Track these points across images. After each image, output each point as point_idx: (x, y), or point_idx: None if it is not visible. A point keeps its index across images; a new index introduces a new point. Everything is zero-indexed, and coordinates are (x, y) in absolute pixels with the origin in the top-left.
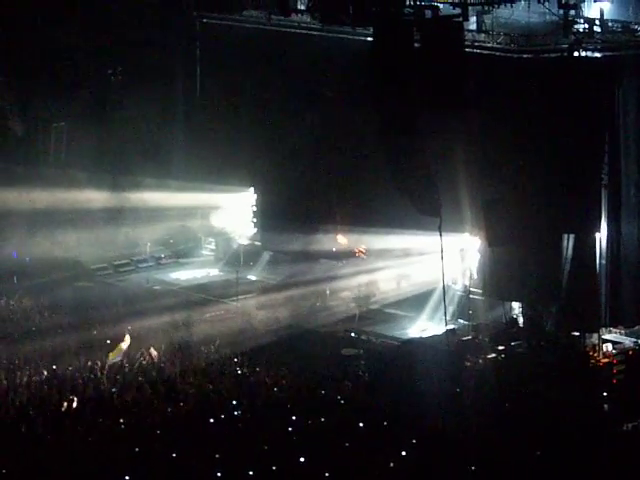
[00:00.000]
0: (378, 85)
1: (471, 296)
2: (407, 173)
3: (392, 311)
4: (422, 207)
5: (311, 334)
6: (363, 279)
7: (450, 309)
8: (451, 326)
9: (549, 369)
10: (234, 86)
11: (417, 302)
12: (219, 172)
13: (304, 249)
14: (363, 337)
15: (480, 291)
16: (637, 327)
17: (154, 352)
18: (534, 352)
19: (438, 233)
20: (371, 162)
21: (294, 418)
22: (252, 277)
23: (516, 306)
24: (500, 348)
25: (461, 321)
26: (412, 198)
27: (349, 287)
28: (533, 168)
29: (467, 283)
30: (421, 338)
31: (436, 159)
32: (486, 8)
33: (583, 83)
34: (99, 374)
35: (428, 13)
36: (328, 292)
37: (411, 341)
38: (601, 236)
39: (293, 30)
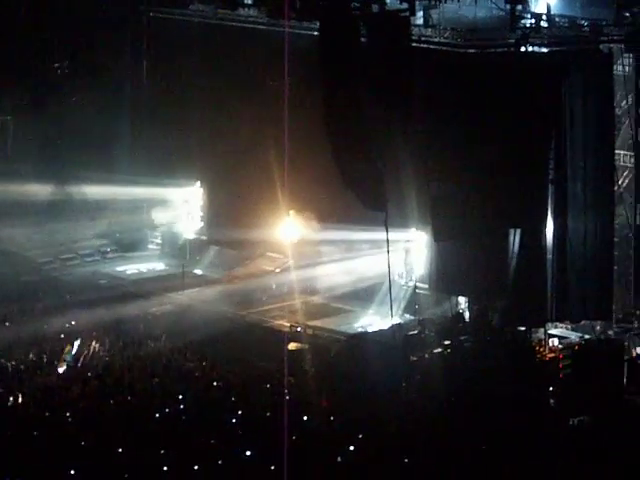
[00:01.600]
0: (325, 79)
1: (418, 291)
2: (353, 168)
3: (338, 305)
4: (368, 201)
5: (256, 328)
6: (309, 272)
7: (396, 304)
8: (397, 321)
9: (495, 364)
10: (181, 80)
11: (364, 296)
12: (166, 166)
13: (250, 243)
14: (309, 332)
15: (426, 286)
16: (583, 322)
17: (99, 346)
18: (480, 347)
19: (384, 228)
20: (319, 156)
21: (239, 412)
22: (198, 271)
23: (462, 301)
24: (446, 343)
25: (407, 316)
26: (358, 192)
27: (295, 281)
28: (480, 163)
29: (414, 278)
30: (367, 333)
31: (382, 154)
32: (433, 3)
33: (530, 78)
34: (45, 368)
35: (375, 7)
36: (274, 286)
37: (357, 336)
38: (548, 231)
39: (240, 24)
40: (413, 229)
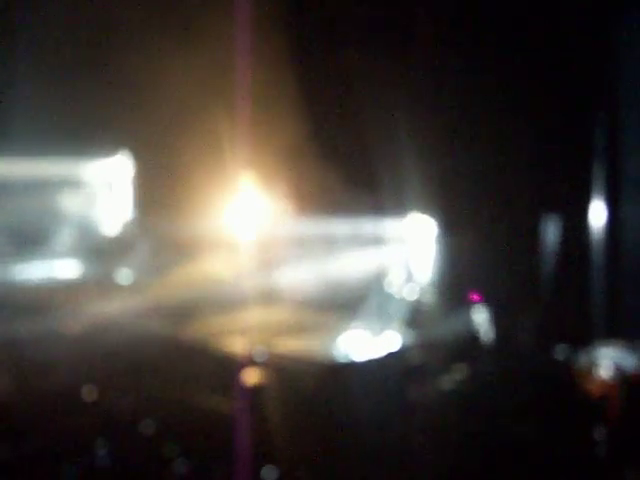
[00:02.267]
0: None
1: (420, 301)
2: (331, 132)
3: (314, 320)
4: (351, 178)
5: (201, 353)
6: (274, 276)
7: (392, 318)
8: (393, 342)
9: (525, 399)
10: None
11: (348, 308)
12: (74, 132)
13: (195, 237)
14: (272, 356)
15: (432, 294)
16: None
17: None
18: (505, 377)
19: (374, 215)
20: (286, 118)
21: (177, 470)
22: (124, 275)
23: (479, 315)
24: (457, 371)
25: (407, 335)
26: (338, 166)
27: (255, 287)
28: (504, 127)
29: (414, 283)
30: (351, 358)
31: (370, 114)
32: None
33: (571, 14)
34: None
35: None
36: (227, 295)
37: (337, 362)
38: (595, 220)
39: None
40: (413, 217)
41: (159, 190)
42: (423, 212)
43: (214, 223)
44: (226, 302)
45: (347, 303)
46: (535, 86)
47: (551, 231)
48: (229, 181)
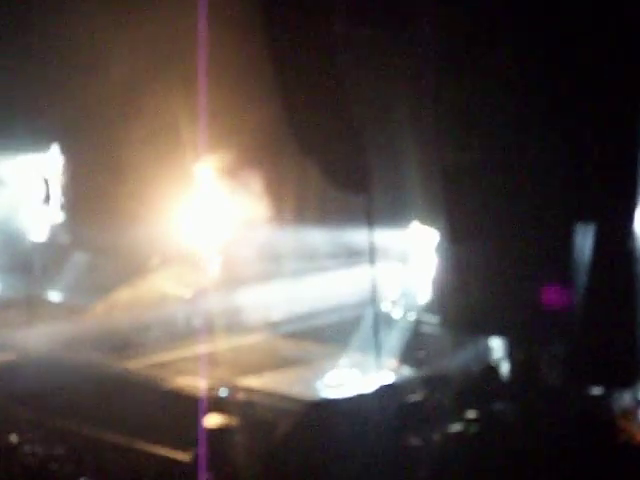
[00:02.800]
0: None
1: (422, 328)
2: (317, 128)
3: (291, 352)
4: (340, 180)
5: (151, 391)
6: (243, 297)
7: (387, 349)
8: (389, 378)
9: (552, 448)
10: None
11: (333, 337)
12: None
13: (143, 248)
14: (241, 396)
15: (436, 319)
16: None
17: None
18: (527, 421)
19: (366, 223)
20: (260, 108)
21: None
22: (54, 295)
23: (496, 345)
24: (470, 415)
25: (405, 369)
26: (324, 166)
27: (219, 310)
28: (525, 120)
29: (415, 305)
30: (339, 400)
31: (364, 107)
32: None
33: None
34: None
35: None
36: (182, 320)
37: (321, 404)
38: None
39: None
40: (413, 225)
41: (98, 190)
42: (426, 221)
43: (166, 230)
44: (182, 328)
45: (333, 328)
46: (572, 78)
47: (585, 243)
48: (185, 181)
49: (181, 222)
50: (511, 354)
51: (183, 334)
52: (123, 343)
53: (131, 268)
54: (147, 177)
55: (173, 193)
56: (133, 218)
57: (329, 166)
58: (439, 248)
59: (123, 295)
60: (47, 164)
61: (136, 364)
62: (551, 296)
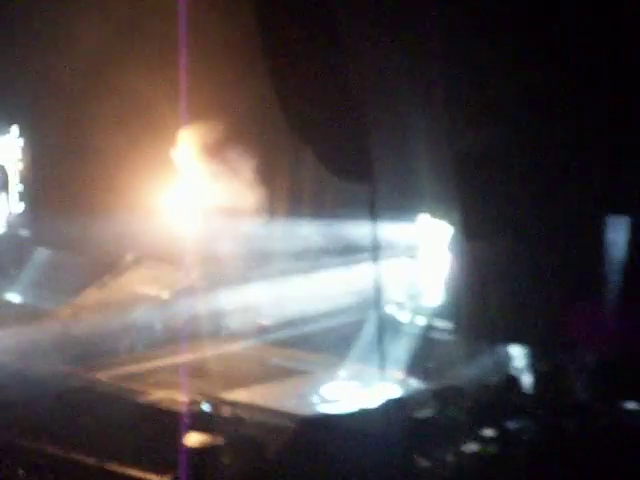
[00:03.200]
0: None
1: (433, 334)
2: (312, 108)
3: (283, 361)
4: (339, 167)
5: (124, 405)
6: (229, 299)
7: (392, 357)
8: (395, 391)
9: (580, 470)
10: None
11: (331, 345)
12: None
13: (114, 243)
14: (226, 412)
15: (449, 325)
16: None
17: None
18: (551, 439)
19: (369, 216)
20: (247, 83)
21: None
22: (13, 296)
23: (517, 354)
24: (487, 433)
25: (413, 382)
26: (322, 152)
27: (202, 314)
28: (555, 93)
29: (424, 309)
30: (337, 416)
31: (371, 81)
32: None
33: None
34: None
35: None
36: (159, 325)
37: (318, 421)
38: None
39: None
40: (423, 219)
41: (62, 178)
42: (438, 214)
43: (142, 223)
44: (159, 334)
45: (331, 335)
46: (608, 70)
47: (619, 241)
48: (163, 167)
49: (158, 213)
50: (534, 364)
51: (160, 341)
52: (91, 351)
53: (101, 266)
54: (120, 163)
55: (149, 180)
56: (103, 209)
57: (328, 150)
58: (453, 245)
59: (92, 297)
60: (4, 148)
61: (106, 375)
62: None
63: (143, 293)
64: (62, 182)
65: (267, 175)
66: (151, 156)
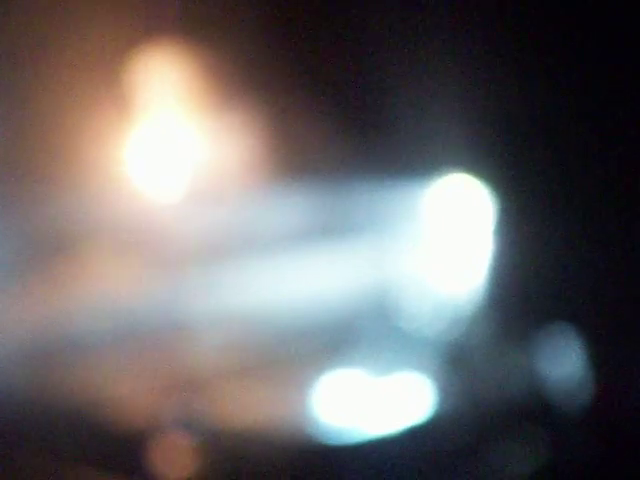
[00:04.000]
0: None
1: (455, 334)
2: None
3: (264, 367)
4: (341, 114)
5: (71, 423)
6: (203, 289)
7: (404, 363)
8: (402, 398)
9: None
10: None
11: (324, 340)
12: None
13: (73, 224)
14: (205, 432)
15: (476, 320)
16: None
17: None
18: (610, 464)
19: (375, 183)
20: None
21: None
22: None
23: (562, 353)
24: (525, 456)
25: (432, 394)
26: (318, 92)
27: (172, 307)
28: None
29: (449, 310)
30: (344, 446)
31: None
32: None
33: None
34: None
35: None
36: (124, 319)
37: (320, 452)
38: None
39: None
40: (446, 181)
41: (5, 149)
42: (465, 172)
43: (91, 199)
44: (122, 332)
45: (325, 337)
46: None
47: None
48: (120, 129)
49: (112, 187)
50: (584, 372)
51: (125, 339)
52: (45, 355)
53: (44, 254)
54: (66, 125)
55: (101, 146)
56: (44, 184)
57: (323, 93)
58: (484, 219)
59: (33, 292)
60: None
61: (63, 384)
62: None
63: (101, 285)
64: (7, 155)
65: (244, 134)
66: (106, 115)
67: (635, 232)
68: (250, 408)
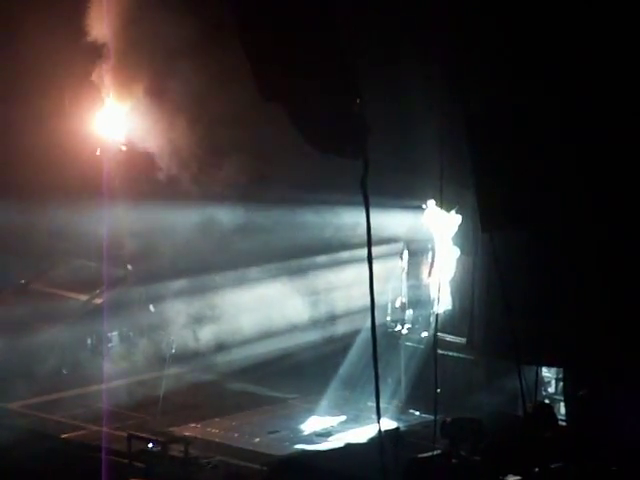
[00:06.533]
0: None
1: (440, 351)
2: (290, 60)
3: (250, 386)
4: (327, 135)
5: (39, 442)
6: (180, 305)
7: (390, 380)
8: (391, 423)
9: None
10: None
11: (312, 364)
12: None
13: (40, 235)
14: (175, 451)
15: (461, 339)
16: None
17: None
18: None
19: (361, 200)
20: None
21: None
22: None
23: (549, 377)
24: (510, 478)
25: (414, 412)
26: (306, 113)
27: (147, 324)
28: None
29: (430, 320)
30: (318, 454)
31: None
32: None
33: None
34: None
35: None
36: (90, 339)
37: (297, 461)
38: None
39: None
40: (429, 204)
41: None
42: (448, 198)
43: (73, 210)
44: (92, 352)
45: (312, 353)
46: None
47: None
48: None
49: (94, 198)
50: (571, 391)
51: (89, 362)
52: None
53: (23, 264)
54: (41, 132)
55: (77, 154)
56: (24, 191)
57: (310, 114)
58: (467, 237)
59: (8, 303)
60: None
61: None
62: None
63: (68, 295)
64: None
65: (230, 147)
66: (83, 122)
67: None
68: (238, 424)
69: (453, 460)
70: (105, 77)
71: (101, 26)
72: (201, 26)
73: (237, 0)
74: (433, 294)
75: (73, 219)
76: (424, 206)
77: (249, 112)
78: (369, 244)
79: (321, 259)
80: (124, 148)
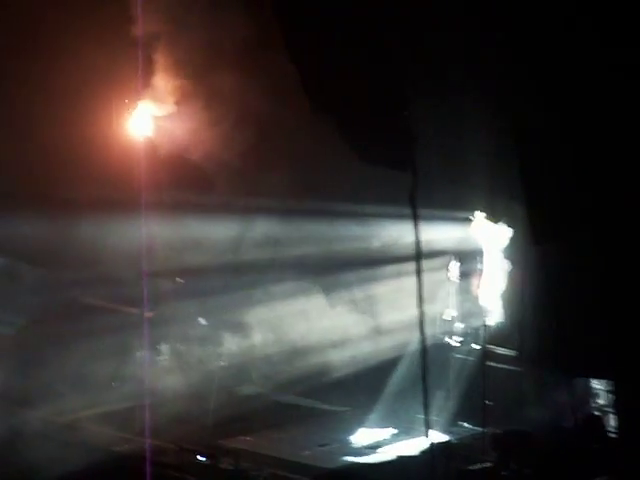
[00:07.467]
0: None
1: (490, 364)
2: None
3: (297, 399)
4: (374, 149)
5: (88, 459)
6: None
7: (440, 394)
8: (442, 436)
9: None
10: None
11: (361, 376)
12: None
13: (80, 250)
14: (225, 463)
15: (512, 352)
16: None
17: None
18: None
19: (410, 214)
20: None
21: None
22: None
23: (601, 389)
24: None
25: (466, 425)
26: (352, 127)
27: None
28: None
29: (480, 332)
30: (367, 468)
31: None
32: None
33: None
34: None
35: None
36: (141, 352)
37: (343, 475)
38: None
39: None
40: (478, 217)
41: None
42: (497, 210)
43: (114, 223)
44: (141, 366)
45: (361, 366)
46: None
47: None
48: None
49: (141, 209)
50: (622, 404)
51: (142, 375)
52: (50, 387)
53: (64, 279)
54: (89, 144)
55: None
56: (62, 205)
57: (356, 127)
58: (517, 249)
59: (53, 317)
60: None
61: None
62: None
63: (119, 312)
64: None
65: (269, 159)
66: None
67: None
68: (285, 437)
69: (503, 473)
70: (151, 83)
71: (147, 27)
72: (252, 32)
73: (291, 15)
74: (483, 306)
75: (121, 230)
76: (472, 218)
77: (297, 122)
78: (418, 257)
79: (371, 272)
80: (171, 158)
